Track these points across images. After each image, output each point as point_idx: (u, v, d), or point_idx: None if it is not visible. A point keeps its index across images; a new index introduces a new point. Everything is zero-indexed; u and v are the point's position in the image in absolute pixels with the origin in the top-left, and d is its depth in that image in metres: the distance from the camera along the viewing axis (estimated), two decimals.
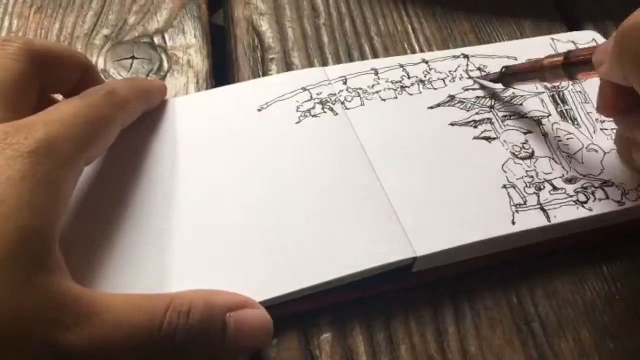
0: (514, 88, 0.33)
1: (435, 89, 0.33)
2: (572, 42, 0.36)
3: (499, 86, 0.33)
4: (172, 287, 0.24)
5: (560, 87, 0.34)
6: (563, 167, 0.30)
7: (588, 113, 0.33)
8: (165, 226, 0.26)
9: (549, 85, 0.34)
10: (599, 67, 0.26)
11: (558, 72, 0.29)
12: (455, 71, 0.35)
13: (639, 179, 0.30)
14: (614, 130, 0.32)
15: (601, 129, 0.32)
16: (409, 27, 0.40)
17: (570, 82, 0.34)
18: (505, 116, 0.32)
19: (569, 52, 0.28)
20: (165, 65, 0.36)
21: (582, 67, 0.28)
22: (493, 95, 0.33)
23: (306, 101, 0.32)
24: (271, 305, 0.25)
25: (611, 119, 0.31)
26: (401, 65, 0.35)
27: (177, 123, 0.31)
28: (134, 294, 0.22)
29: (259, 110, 0.32)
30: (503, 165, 0.30)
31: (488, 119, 0.32)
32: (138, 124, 0.29)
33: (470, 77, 0.34)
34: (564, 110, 0.33)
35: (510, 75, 0.32)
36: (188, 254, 0.26)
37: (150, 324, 0.20)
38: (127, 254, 0.25)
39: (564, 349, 0.26)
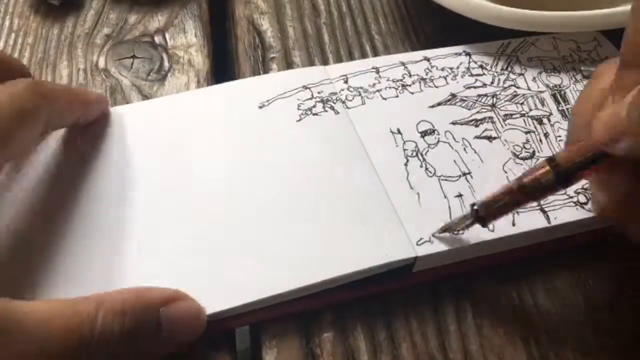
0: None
1: (436, 87, 0.33)
2: (574, 41, 0.36)
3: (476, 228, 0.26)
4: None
5: (561, 86, 0.34)
6: None
7: None
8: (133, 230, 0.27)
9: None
10: (616, 146, 0.21)
11: (550, 189, 0.24)
12: (457, 69, 0.35)
13: None
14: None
15: None
16: (410, 26, 0.39)
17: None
18: (506, 115, 0.32)
19: (553, 160, 0.23)
20: (166, 64, 0.36)
21: (577, 170, 0.23)
22: (495, 94, 0.33)
23: (307, 99, 0.32)
24: (272, 305, 0.25)
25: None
26: (402, 63, 0.34)
27: (133, 128, 0.31)
28: (58, 300, 0.22)
29: (260, 107, 0.32)
30: (504, 165, 0.30)
31: (489, 117, 0.32)
32: (91, 129, 0.30)
33: (435, 236, 0.27)
34: (566, 110, 0.33)
35: (488, 212, 0.25)
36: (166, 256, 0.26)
37: (79, 328, 0.20)
38: (76, 258, 0.25)
39: (565, 348, 0.26)
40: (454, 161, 0.30)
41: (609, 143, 0.21)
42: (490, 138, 0.31)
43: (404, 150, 0.30)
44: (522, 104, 0.33)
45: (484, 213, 0.25)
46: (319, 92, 0.32)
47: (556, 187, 0.23)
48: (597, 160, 0.22)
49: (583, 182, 0.29)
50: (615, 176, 0.23)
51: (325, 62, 0.37)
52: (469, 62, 0.35)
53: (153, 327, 0.22)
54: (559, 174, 0.23)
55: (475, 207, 0.25)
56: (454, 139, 0.31)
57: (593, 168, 0.23)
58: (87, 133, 0.30)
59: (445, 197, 0.28)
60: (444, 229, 0.27)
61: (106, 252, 0.26)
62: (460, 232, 0.26)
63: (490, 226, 0.27)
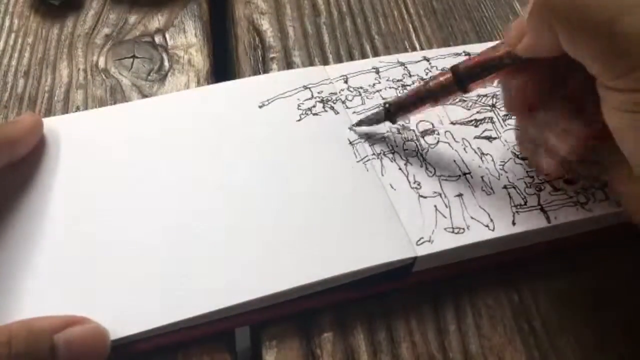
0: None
1: None
2: None
3: (386, 126, 0.30)
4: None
5: None
6: None
7: None
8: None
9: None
10: (518, 46, 0.24)
11: (450, 90, 0.27)
12: None
13: None
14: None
15: None
16: (410, 26, 0.39)
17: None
18: (506, 115, 0.32)
19: (455, 66, 0.27)
20: (166, 64, 0.36)
21: (477, 76, 0.26)
22: (495, 94, 0.33)
23: (307, 99, 0.32)
24: (273, 304, 0.25)
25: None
26: (402, 64, 0.34)
27: (124, 127, 0.31)
28: None
29: (260, 107, 0.32)
30: (504, 165, 0.30)
31: (489, 118, 0.32)
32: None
33: (351, 128, 0.31)
34: None
35: (396, 109, 0.29)
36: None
37: None
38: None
39: (565, 348, 0.26)
40: (454, 161, 0.30)
41: (514, 43, 0.24)
42: (490, 138, 0.31)
43: (404, 150, 0.30)
44: None
45: (394, 109, 0.29)
46: (319, 92, 0.33)
47: (455, 89, 0.27)
48: (490, 68, 0.26)
49: (583, 183, 0.29)
50: (519, 79, 0.26)
51: (325, 62, 0.37)
52: None
53: (46, 353, 0.22)
54: (459, 77, 0.27)
55: (387, 105, 0.29)
56: (454, 139, 0.31)
57: (492, 76, 0.26)
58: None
59: (445, 197, 0.28)
60: (359, 123, 0.30)
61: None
62: (374, 125, 0.30)
63: (490, 225, 0.27)
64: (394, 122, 0.30)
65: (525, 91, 0.26)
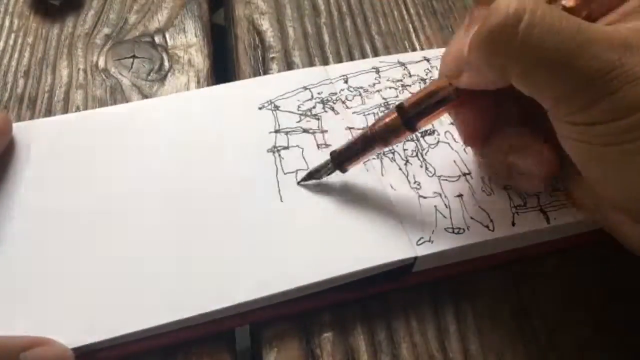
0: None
1: None
2: None
3: (336, 177, 0.28)
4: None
5: None
6: None
7: None
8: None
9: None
10: (458, 79, 0.23)
11: (397, 131, 0.25)
12: None
13: None
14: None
15: None
16: (410, 26, 0.39)
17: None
18: None
19: (400, 105, 0.25)
20: (166, 64, 0.36)
21: (423, 113, 0.25)
22: None
23: (307, 100, 0.32)
24: (274, 304, 0.25)
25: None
26: (402, 64, 0.35)
27: (120, 128, 0.31)
28: None
29: (260, 108, 0.32)
30: None
31: None
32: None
33: (300, 184, 0.28)
34: None
35: (344, 158, 0.27)
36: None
37: None
38: None
39: (565, 347, 0.26)
40: (454, 161, 0.30)
41: (454, 76, 0.23)
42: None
43: (404, 150, 0.30)
44: None
45: (342, 159, 0.27)
46: (319, 93, 0.33)
47: (404, 130, 0.25)
48: (440, 102, 0.24)
49: None
50: (468, 110, 0.25)
51: (325, 62, 0.37)
52: None
53: None
54: (406, 118, 0.25)
55: (333, 154, 0.27)
56: (454, 139, 0.31)
57: (439, 111, 0.24)
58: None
59: (445, 197, 0.28)
60: (308, 176, 0.28)
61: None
62: (324, 178, 0.28)
63: (490, 226, 0.27)
64: (343, 171, 0.28)
65: (475, 123, 0.26)
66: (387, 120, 0.26)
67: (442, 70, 0.25)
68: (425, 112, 0.25)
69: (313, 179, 0.28)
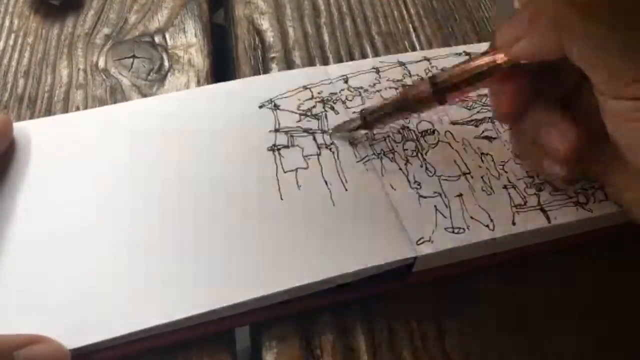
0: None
1: None
2: None
3: (361, 133, 0.30)
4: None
5: None
6: None
7: None
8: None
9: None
10: (513, 47, 0.24)
11: (427, 101, 0.27)
12: None
13: None
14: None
15: None
16: (410, 26, 0.39)
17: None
18: None
19: (434, 77, 0.26)
20: (166, 64, 0.36)
21: (456, 87, 0.26)
22: None
23: (307, 100, 0.32)
24: (273, 304, 0.25)
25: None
26: (402, 63, 0.34)
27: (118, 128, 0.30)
28: None
29: (260, 107, 0.32)
30: (504, 165, 0.30)
31: (489, 117, 0.32)
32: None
33: (330, 133, 0.30)
34: None
35: (373, 117, 0.29)
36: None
37: None
38: None
39: (565, 348, 0.26)
40: (454, 161, 0.30)
41: (511, 43, 0.24)
42: (490, 138, 0.31)
43: (404, 150, 0.30)
44: None
45: (371, 118, 0.29)
46: (319, 93, 0.32)
47: (432, 100, 0.27)
48: (470, 79, 0.25)
49: (583, 183, 0.29)
50: (505, 86, 0.26)
51: (325, 62, 0.37)
52: None
53: None
54: (435, 89, 0.26)
55: (363, 112, 0.29)
56: (454, 139, 0.31)
57: (467, 88, 0.26)
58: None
59: (445, 197, 0.28)
60: (337, 129, 0.30)
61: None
62: (351, 132, 0.30)
63: (490, 225, 0.27)
64: (370, 128, 0.30)
65: (511, 100, 0.26)
66: (419, 89, 0.27)
67: (498, 40, 0.25)
68: (458, 86, 0.26)
69: (343, 130, 0.30)
